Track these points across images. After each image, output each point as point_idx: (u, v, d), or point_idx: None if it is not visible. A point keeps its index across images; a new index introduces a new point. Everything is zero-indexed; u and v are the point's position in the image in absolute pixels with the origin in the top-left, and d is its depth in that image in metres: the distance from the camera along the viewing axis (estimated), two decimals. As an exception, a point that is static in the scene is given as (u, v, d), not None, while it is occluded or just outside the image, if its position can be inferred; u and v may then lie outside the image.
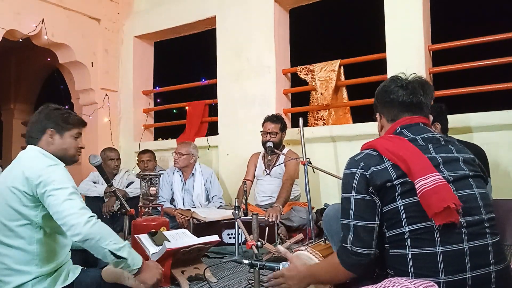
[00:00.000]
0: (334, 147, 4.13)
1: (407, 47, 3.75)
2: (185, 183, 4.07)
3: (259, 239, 2.43)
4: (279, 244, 2.98)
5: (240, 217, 2.87)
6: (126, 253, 1.68)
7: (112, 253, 1.64)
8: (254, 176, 4.00)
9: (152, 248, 2.31)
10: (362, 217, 1.41)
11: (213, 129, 4.96)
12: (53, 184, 1.68)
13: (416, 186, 1.33)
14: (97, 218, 1.70)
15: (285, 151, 3.84)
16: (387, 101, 1.57)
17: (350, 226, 1.42)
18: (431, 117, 1.60)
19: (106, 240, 1.64)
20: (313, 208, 3.59)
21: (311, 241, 2.95)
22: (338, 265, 1.45)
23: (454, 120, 3.38)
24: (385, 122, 1.60)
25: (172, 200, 4.05)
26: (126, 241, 1.78)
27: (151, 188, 3.01)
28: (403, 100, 1.53)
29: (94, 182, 4.11)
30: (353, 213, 1.42)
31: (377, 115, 1.65)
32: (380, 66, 3.93)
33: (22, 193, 1.71)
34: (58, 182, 1.70)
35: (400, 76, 1.58)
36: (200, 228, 3.23)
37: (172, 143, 4.98)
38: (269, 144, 3.73)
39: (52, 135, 1.87)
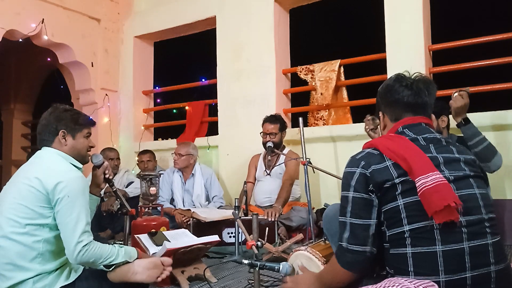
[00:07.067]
0: (334, 147, 4.13)
1: (407, 47, 3.75)
2: (185, 183, 4.06)
3: (259, 239, 2.43)
4: (279, 244, 2.99)
5: (240, 217, 2.87)
6: (120, 258, 1.79)
7: (107, 265, 1.77)
8: (255, 178, 4.00)
9: (152, 248, 2.32)
10: (358, 215, 1.41)
11: (213, 129, 4.96)
12: (67, 196, 1.72)
13: (417, 185, 1.33)
14: (93, 238, 1.75)
15: (285, 151, 3.84)
16: (392, 101, 1.56)
17: (346, 224, 1.44)
18: (433, 117, 1.60)
19: (98, 261, 1.74)
20: (313, 208, 3.58)
21: (311, 241, 2.94)
22: (337, 264, 1.46)
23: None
24: (388, 121, 1.60)
25: (172, 200, 4.05)
26: (116, 246, 1.83)
27: (151, 188, 3.01)
28: (408, 101, 1.52)
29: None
30: (350, 211, 1.43)
31: (380, 113, 1.64)
32: (380, 66, 3.93)
33: (39, 192, 1.73)
34: (72, 195, 1.72)
35: (404, 75, 1.56)
36: (200, 228, 3.23)
37: (172, 143, 4.98)
38: (269, 144, 3.73)
39: (64, 136, 1.90)
